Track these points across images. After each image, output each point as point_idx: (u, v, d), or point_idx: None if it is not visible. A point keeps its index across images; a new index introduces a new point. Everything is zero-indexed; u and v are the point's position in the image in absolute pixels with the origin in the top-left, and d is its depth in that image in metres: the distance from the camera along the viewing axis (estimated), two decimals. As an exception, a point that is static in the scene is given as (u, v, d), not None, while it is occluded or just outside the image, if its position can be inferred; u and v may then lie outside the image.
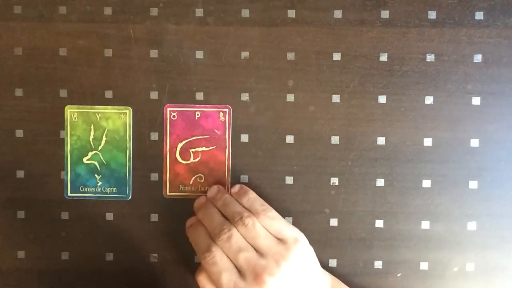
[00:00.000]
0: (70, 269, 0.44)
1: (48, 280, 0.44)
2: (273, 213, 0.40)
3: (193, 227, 0.41)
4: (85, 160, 0.44)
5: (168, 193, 0.44)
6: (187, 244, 0.43)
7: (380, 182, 0.44)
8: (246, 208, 0.40)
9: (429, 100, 0.43)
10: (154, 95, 0.44)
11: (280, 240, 0.39)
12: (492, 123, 0.43)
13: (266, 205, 0.40)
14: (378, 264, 0.44)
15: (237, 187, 0.42)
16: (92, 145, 0.44)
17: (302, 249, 0.39)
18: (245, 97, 0.44)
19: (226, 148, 0.44)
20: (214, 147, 0.44)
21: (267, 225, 0.39)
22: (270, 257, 0.37)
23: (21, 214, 0.44)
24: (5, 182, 0.44)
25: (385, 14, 0.43)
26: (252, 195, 0.41)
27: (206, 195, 0.42)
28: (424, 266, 0.44)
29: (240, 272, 0.37)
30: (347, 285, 0.42)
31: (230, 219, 0.39)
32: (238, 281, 0.37)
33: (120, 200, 0.44)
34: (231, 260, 0.38)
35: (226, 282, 0.37)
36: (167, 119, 0.44)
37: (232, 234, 0.38)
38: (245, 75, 0.44)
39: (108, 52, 0.44)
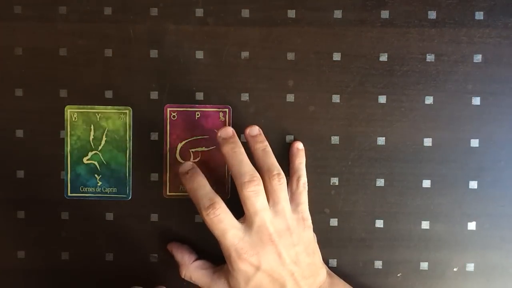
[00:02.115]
0: (70, 269, 0.44)
1: (48, 280, 0.44)
2: (306, 187, 0.42)
3: (192, 175, 0.39)
4: (85, 160, 0.44)
5: (168, 193, 0.44)
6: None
7: (380, 182, 0.44)
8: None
9: (429, 100, 0.43)
10: (154, 95, 0.44)
11: (295, 212, 0.40)
12: (492, 123, 0.43)
13: (306, 178, 0.42)
14: (378, 264, 0.44)
15: (300, 144, 0.43)
16: (92, 145, 0.44)
17: (310, 231, 0.40)
18: (245, 97, 0.44)
19: (226, 148, 0.44)
20: (214, 147, 0.44)
21: (298, 193, 0.41)
22: (283, 223, 0.38)
23: (21, 214, 0.44)
24: (5, 182, 0.44)
25: (385, 14, 0.43)
26: (304, 161, 0.43)
27: (232, 128, 0.40)
28: (424, 266, 0.44)
29: (246, 225, 0.38)
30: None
31: (265, 169, 0.39)
32: (242, 237, 0.37)
33: (120, 200, 0.44)
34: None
35: (231, 239, 0.37)
36: (167, 119, 0.44)
37: (260, 190, 0.38)
38: (245, 75, 0.44)
39: (108, 52, 0.44)
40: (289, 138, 0.44)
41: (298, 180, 0.41)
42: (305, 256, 0.39)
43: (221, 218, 0.37)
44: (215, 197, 0.38)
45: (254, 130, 0.41)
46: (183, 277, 0.41)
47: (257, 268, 0.37)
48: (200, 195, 0.38)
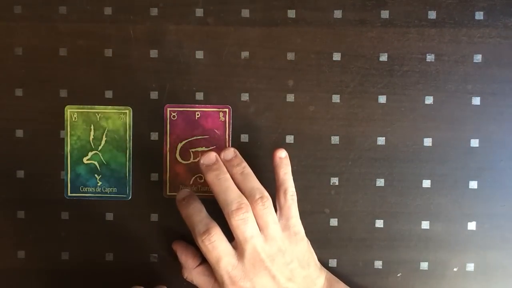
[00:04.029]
0: (70, 269, 0.44)
1: (48, 280, 0.44)
2: (295, 199, 0.40)
3: (188, 201, 0.39)
4: (85, 160, 0.44)
5: (168, 193, 0.44)
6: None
7: (380, 182, 0.44)
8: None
9: (429, 100, 0.43)
10: (154, 95, 0.44)
11: (285, 229, 0.39)
12: (492, 123, 0.43)
13: (294, 188, 0.41)
14: (378, 264, 0.44)
15: (283, 152, 0.41)
16: (92, 145, 0.44)
17: (303, 244, 0.40)
18: (245, 97, 0.44)
19: (226, 148, 0.44)
20: (214, 147, 0.44)
21: (286, 207, 0.40)
22: (275, 245, 0.38)
23: (21, 214, 0.44)
24: (5, 182, 0.44)
25: (385, 14, 0.43)
26: (289, 169, 0.41)
27: (215, 153, 0.39)
28: (424, 266, 0.44)
29: (239, 252, 0.37)
30: (347, 285, 0.42)
31: (247, 194, 0.38)
32: (236, 264, 0.37)
33: (120, 200, 0.44)
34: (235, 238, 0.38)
35: (224, 267, 0.37)
36: (167, 119, 0.44)
37: (249, 217, 0.37)
38: (245, 75, 0.44)
39: (108, 52, 0.44)
40: (289, 138, 0.44)
41: (285, 193, 0.40)
42: (300, 271, 0.39)
43: (215, 245, 0.37)
44: (210, 222, 0.37)
45: (229, 154, 0.39)
46: (184, 278, 0.41)
47: None
48: (196, 221, 0.38)
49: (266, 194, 0.38)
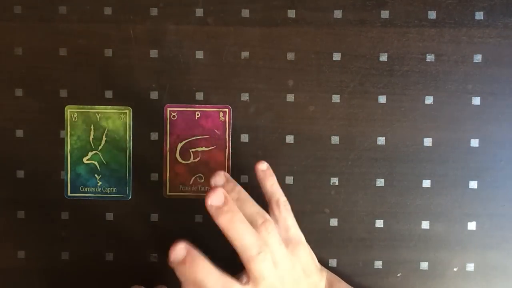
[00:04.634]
0: (70, 269, 0.44)
1: (48, 280, 0.44)
2: (289, 206, 0.40)
3: (193, 262, 0.33)
4: (85, 160, 0.44)
5: (168, 193, 0.44)
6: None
7: (380, 182, 0.44)
8: (267, 193, 0.39)
9: (429, 100, 0.43)
10: (154, 95, 0.44)
11: (287, 242, 0.38)
12: (492, 123, 0.43)
13: (284, 196, 0.40)
14: (378, 264, 0.44)
15: (264, 164, 0.39)
16: (92, 145, 0.44)
17: (305, 252, 0.39)
18: (245, 97, 0.44)
19: (226, 148, 0.44)
20: (214, 147, 0.44)
21: (282, 218, 0.39)
22: (284, 267, 0.36)
23: (21, 214, 0.44)
24: (5, 182, 0.44)
25: (385, 14, 0.43)
26: (275, 179, 0.40)
27: (222, 189, 0.35)
28: (424, 266, 0.44)
29: (252, 286, 0.35)
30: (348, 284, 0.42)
31: (249, 220, 0.35)
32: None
33: (120, 200, 0.44)
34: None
35: None
36: (167, 119, 0.44)
37: (267, 256, 0.34)
38: (245, 75, 0.44)
39: (108, 52, 0.44)
40: (289, 138, 0.44)
41: (278, 204, 0.39)
42: (304, 280, 0.39)
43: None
44: (228, 281, 0.34)
45: (219, 180, 0.37)
46: None
47: None
48: (211, 285, 0.33)
49: (267, 216, 0.36)
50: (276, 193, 0.40)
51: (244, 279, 0.35)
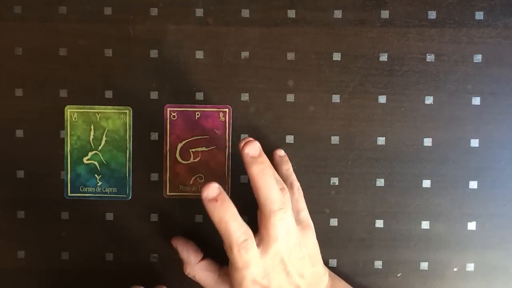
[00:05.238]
0: (70, 269, 0.44)
1: (48, 280, 0.44)
2: (301, 191, 0.41)
3: (223, 203, 0.35)
4: (85, 160, 0.44)
5: (168, 193, 0.44)
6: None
7: (380, 182, 0.44)
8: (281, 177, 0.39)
9: (429, 100, 0.43)
10: (154, 95, 0.44)
11: (298, 223, 0.39)
12: (492, 123, 0.43)
13: (297, 182, 0.42)
14: (378, 264, 0.44)
15: (282, 151, 0.42)
16: (92, 145, 0.44)
17: (313, 238, 0.40)
18: (245, 97, 0.44)
19: (226, 148, 0.44)
20: (214, 147, 0.44)
21: (295, 199, 0.40)
22: (292, 241, 0.38)
23: (21, 214, 0.44)
24: (5, 182, 0.44)
25: (385, 14, 0.43)
26: (290, 166, 0.42)
27: (257, 142, 0.37)
28: (424, 266, 0.44)
29: (262, 249, 0.37)
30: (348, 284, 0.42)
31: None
32: (259, 263, 0.37)
33: (120, 200, 0.44)
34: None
35: (250, 272, 0.37)
36: (167, 119, 0.44)
37: (287, 217, 0.37)
38: (245, 75, 0.44)
39: (108, 52, 0.44)
40: (289, 138, 0.44)
41: (291, 186, 0.41)
42: (309, 267, 0.39)
43: (248, 253, 0.36)
44: (248, 229, 0.36)
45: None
46: (186, 274, 0.41)
47: None
48: (234, 228, 0.35)
49: (286, 186, 0.38)
50: (291, 177, 0.42)
51: (256, 242, 0.37)
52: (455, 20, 0.43)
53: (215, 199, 0.35)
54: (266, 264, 0.37)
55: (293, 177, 0.42)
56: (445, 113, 0.43)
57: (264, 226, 0.37)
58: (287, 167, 0.42)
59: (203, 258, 0.41)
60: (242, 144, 0.36)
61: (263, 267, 0.37)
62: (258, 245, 0.37)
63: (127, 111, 0.44)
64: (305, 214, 0.41)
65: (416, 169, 0.43)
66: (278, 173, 0.40)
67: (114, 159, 0.44)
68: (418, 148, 0.43)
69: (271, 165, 0.37)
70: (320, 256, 0.41)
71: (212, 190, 0.36)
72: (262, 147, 0.43)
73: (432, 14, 0.43)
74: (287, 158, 0.43)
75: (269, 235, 0.37)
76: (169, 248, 0.44)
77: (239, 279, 0.37)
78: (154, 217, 0.44)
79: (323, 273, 0.41)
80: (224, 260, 0.39)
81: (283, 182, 0.38)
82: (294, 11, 0.43)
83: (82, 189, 0.44)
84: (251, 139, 0.37)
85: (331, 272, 0.42)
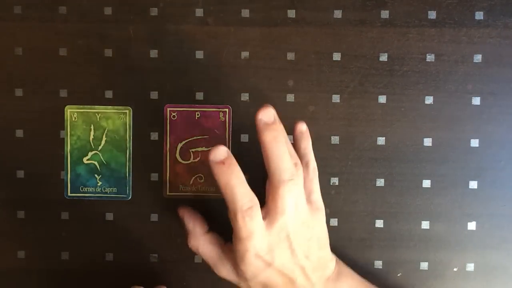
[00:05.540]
0: (70, 269, 0.44)
1: (48, 280, 0.44)
2: (317, 172, 0.40)
3: (230, 167, 0.34)
4: (85, 160, 0.44)
5: (168, 193, 0.44)
6: (187, 244, 0.43)
7: (380, 182, 0.44)
8: (298, 154, 0.38)
9: (429, 100, 0.43)
10: (154, 95, 0.44)
11: (308, 203, 0.38)
12: (492, 123, 0.43)
13: (315, 162, 0.40)
14: (378, 264, 0.44)
15: (304, 125, 0.39)
16: (92, 145, 0.44)
17: (323, 222, 0.39)
18: (245, 97, 0.44)
19: (226, 148, 0.44)
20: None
21: (309, 179, 0.39)
22: (300, 218, 0.37)
23: (21, 214, 0.44)
24: (5, 182, 0.44)
25: (385, 14, 0.43)
26: (310, 143, 0.40)
27: (273, 109, 0.35)
28: (424, 266, 0.44)
29: (268, 222, 0.36)
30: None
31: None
32: (264, 235, 0.36)
33: (120, 200, 0.44)
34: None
35: (253, 244, 0.36)
36: (167, 119, 0.44)
37: (297, 189, 0.35)
38: (245, 75, 0.44)
39: (108, 52, 0.44)
40: (289, 138, 0.43)
41: (307, 166, 0.39)
42: (316, 250, 0.38)
43: (253, 221, 0.35)
44: (254, 197, 0.35)
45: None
46: (189, 246, 0.40)
47: (269, 265, 0.36)
48: (239, 193, 0.34)
49: (299, 161, 0.37)
50: (308, 156, 0.39)
51: (262, 214, 0.36)
52: (455, 20, 0.43)
53: (222, 162, 0.34)
54: (271, 238, 0.36)
55: (310, 156, 0.39)
56: (445, 113, 0.43)
57: (272, 197, 0.35)
58: (306, 145, 0.39)
59: (208, 231, 0.40)
60: (257, 112, 0.35)
61: (267, 242, 0.36)
62: (264, 217, 0.36)
63: (127, 111, 0.44)
64: (317, 196, 0.39)
65: (416, 169, 0.43)
66: (295, 149, 0.38)
67: (114, 159, 0.44)
68: (418, 148, 0.43)
69: (286, 135, 0.35)
70: (328, 242, 0.40)
71: (220, 152, 0.34)
72: (262, 147, 0.43)
73: (432, 14, 0.43)
74: (308, 135, 0.40)
75: (277, 207, 0.35)
76: (169, 248, 0.44)
77: (241, 251, 0.36)
78: (154, 217, 0.44)
79: (330, 259, 0.40)
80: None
81: (298, 158, 0.36)
82: (294, 11, 0.43)
83: (82, 189, 0.44)
84: (268, 105, 0.35)
85: (339, 260, 0.41)
